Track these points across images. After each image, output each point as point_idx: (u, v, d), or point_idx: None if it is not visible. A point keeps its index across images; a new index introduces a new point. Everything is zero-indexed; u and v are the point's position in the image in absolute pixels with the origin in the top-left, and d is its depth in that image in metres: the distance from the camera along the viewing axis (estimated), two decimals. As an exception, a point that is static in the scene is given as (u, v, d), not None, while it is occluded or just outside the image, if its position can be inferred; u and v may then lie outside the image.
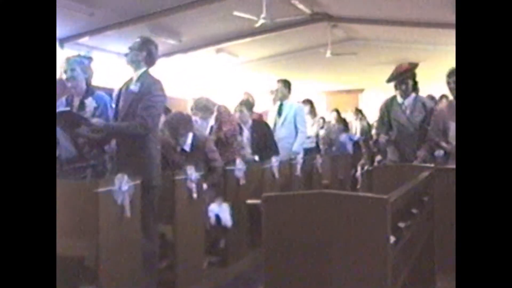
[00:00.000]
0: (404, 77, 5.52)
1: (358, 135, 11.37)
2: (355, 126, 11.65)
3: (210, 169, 5.41)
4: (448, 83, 5.22)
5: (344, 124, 10.74)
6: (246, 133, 6.77)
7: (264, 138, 6.87)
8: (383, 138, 5.54)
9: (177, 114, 5.53)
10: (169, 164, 5.26)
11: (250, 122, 6.88)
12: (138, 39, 4.51)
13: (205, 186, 5.13)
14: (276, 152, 6.92)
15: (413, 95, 5.60)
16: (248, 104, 6.98)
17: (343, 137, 10.01)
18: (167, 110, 6.81)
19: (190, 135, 5.41)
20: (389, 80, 5.61)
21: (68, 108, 4.38)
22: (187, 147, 5.39)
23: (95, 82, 4.81)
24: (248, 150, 6.71)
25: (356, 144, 10.71)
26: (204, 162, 5.38)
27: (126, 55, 4.51)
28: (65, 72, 4.54)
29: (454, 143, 5.06)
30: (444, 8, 10.34)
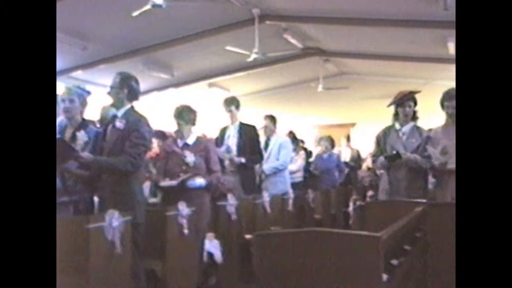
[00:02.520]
0: (405, 101, 5.56)
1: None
2: (346, 155, 11.61)
3: (209, 171, 5.43)
4: (447, 107, 5.28)
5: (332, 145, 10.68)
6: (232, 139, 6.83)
7: (250, 142, 6.87)
8: (381, 159, 5.54)
9: (184, 105, 5.60)
10: (170, 156, 5.38)
11: (237, 123, 6.94)
12: (117, 77, 4.51)
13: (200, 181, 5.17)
14: (261, 157, 7.05)
15: (411, 123, 5.62)
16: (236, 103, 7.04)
17: (332, 160, 9.89)
18: (161, 136, 6.83)
19: (194, 131, 5.51)
20: (390, 104, 5.65)
21: (59, 136, 4.36)
22: (190, 141, 5.43)
23: (87, 115, 4.82)
24: (234, 153, 6.73)
25: (345, 176, 10.69)
26: (206, 161, 5.40)
27: (108, 93, 4.51)
28: (63, 101, 4.54)
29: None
30: (436, 43, 10.44)
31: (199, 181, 5.32)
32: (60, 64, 11.04)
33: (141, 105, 4.64)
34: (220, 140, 6.92)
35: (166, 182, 5.35)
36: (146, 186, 6.32)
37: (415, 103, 5.68)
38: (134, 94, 4.53)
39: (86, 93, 4.72)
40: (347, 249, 2.35)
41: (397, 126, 5.62)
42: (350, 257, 2.34)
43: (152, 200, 6.18)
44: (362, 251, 2.32)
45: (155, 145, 6.76)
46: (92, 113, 5.41)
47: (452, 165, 5.28)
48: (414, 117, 5.69)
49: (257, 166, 7.23)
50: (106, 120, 4.67)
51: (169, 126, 6.27)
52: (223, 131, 7.01)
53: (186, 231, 4.73)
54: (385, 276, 2.37)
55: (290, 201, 7.09)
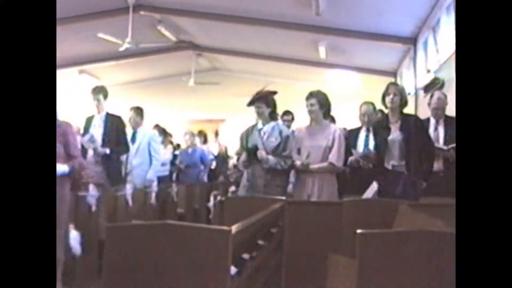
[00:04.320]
0: (263, 100, 5.65)
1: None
2: (213, 150, 11.67)
3: (69, 156, 5.09)
4: (312, 105, 5.51)
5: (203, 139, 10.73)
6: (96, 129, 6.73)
7: (116, 133, 6.77)
8: (243, 157, 5.62)
9: None
10: None
11: (104, 113, 6.82)
12: None
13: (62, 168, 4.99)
14: (126, 148, 6.97)
15: (272, 123, 5.73)
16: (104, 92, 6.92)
17: (196, 154, 9.90)
18: None
19: None
20: (249, 104, 5.71)
21: None
22: None
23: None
24: (99, 142, 6.60)
25: (211, 171, 10.76)
26: (64, 147, 5.09)
27: None
28: None
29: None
30: (308, 46, 10.74)
31: (62, 168, 4.99)
32: None
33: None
34: (85, 129, 6.77)
35: None
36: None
37: (275, 104, 5.79)
38: None
39: None
40: (198, 242, 2.38)
41: (260, 125, 5.73)
42: (200, 251, 2.37)
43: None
44: (212, 245, 2.36)
45: None
46: None
47: (313, 165, 5.49)
48: (273, 117, 5.80)
49: (122, 158, 7.14)
50: None
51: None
52: (89, 120, 6.86)
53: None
54: (233, 269, 2.43)
55: (153, 195, 7.05)
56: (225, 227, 2.39)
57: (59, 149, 5.05)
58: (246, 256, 2.82)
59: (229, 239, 2.37)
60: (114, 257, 2.50)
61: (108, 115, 6.79)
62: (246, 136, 5.76)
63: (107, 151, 6.57)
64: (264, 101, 5.68)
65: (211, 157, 10.85)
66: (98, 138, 6.63)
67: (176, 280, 2.38)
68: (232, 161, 11.84)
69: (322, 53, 10.98)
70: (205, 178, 10.18)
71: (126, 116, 7.41)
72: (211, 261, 2.37)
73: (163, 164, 8.65)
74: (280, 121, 5.87)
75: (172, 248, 2.39)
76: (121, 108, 7.47)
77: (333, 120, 6.60)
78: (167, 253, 2.40)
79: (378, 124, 5.70)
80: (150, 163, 7.51)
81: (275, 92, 5.79)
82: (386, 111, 5.65)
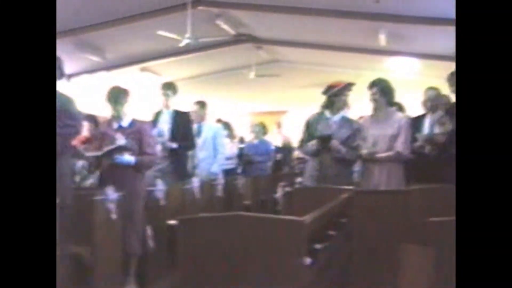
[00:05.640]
0: (340, 93, 5.58)
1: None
2: (276, 142, 11.65)
3: (142, 153, 5.29)
4: (374, 94, 5.52)
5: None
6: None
7: (183, 128, 6.85)
8: (310, 145, 5.56)
9: (117, 86, 5.44)
10: (103, 139, 5.27)
11: (171, 109, 6.90)
12: None
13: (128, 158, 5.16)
14: (193, 143, 7.02)
15: (341, 113, 5.65)
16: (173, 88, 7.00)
17: (263, 147, 9.88)
18: (92, 119, 6.73)
19: (129, 114, 5.38)
20: (324, 92, 5.64)
21: None
22: (125, 123, 5.33)
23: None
24: (167, 137, 6.70)
25: (276, 162, 10.73)
26: (139, 145, 5.29)
27: None
28: None
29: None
30: (367, 34, 10.60)
31: (128, 158, 5.18)
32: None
33: (70, 87, 4.57)
34: (153, 124, 6.87)
35: (91, 152, 5.23)
36: (78, 168, 6.24)
37: (348, 96, 5.73)
38: (60, 76, 4.46)
39: None
40: (271, 233, 2.38)
41: (327, 114, 5.65)
42: (274, 242, 2.37)
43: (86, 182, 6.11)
44: (286, 235, 2.36)
45: (86, 129, 6.64)
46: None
47: (379, 154, 5.42)
48: (345, 107, 5.73)
49: (189, 153, 7.21)
50: None
51: (100, 109, 6.17)
52: (157, 115, 6.95)
53: (114, 216, 4.68)
54: (308, 260, 2.42)
55: (220, 187, 7.11)
56: (298, 218, 2.38)
57: (132, 144, 5.17)
58: (318, 246, 2.80)
59: (302, 229, 2.36)
60: (187, 250, 2.51)
61: (175, 111, 6.87)
62: (314, 124, 5.68)
63: (174, 145, 6.64)
64: (345, 92, 5.62)
65: (275, 148, 10.82)
66: (166, 133, 6.71)
67: (249, 271, 2.38)
68: (296, 152, 11.82)
69: (382, 40, 10.82)
70: (270, 170, 10.16)
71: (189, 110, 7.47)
72: (285, 252, 2.36)
73: (228, 158, 8.68)
74: (347, 111, 5.78)
75: (245, 240, 2.39)
76: (183, 103, 7.51)
77: (400, 107, 6.44)
78: (240, 244, 2.40)
79: (446, 107, 5.59)
80: (215, 157, 7.55)
81: (352, 84, 5.71)
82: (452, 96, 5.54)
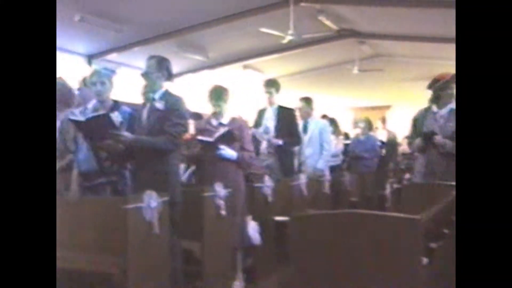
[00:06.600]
0: (446, 86, 5.41)
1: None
2: (382, 137, 11.44)
3: (242, 150, 5.36)
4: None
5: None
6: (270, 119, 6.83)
7: (288, 124, 6.83)
8: (418, 141, 5.42)
9: (218, 85, 5.54)
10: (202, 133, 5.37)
11: (276, 106, 6.89)
12: (152, 60, 4.53)
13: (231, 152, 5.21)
14: (299, 140, 7.00)
15: (449, 106, 5.46)
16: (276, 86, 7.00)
17: (369, 142, 9.71)
18: (197, 117, 6.84)
19: (229, 111, 5.46)
20: (430, 86, 5.50)
21: (104, 112, 4.38)
22: (225, 121, 5.40)
23: (120, 97, 4.85)
24: (272, 134, 6.70)
25: (381, 159, 10.55)
26: (239, 141, 5.35)
27: (143, 75, 4.52)
28: (94, 85, 4.58)
29: None
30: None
31: (230, 152, 5.26)
32: (95, 47, 11.16)
33: (175, 87, 4.67)
34: (258, 122, 6.90)
35: (202, 137, 5.31)
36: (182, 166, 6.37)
37: (453, 88, 5.53)
38: (170, 76, 4.58)
39: (113, 73, 4.76)
40: (386, 231, 2.33)
41: (434, 108, 5.49)
42: (389, 240, 2.32)
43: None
44: (401, 234, 2.31)
45: (192, 126, 6.77)
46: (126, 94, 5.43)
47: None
48: (451, 100, 5.53)
49: (295, 149, 7.21)
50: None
51: (203, 107, 6.27)
52: (261, 113, 6.98)
53: (223, 212, 4.76)
54: (425, 260, 2.36)
55: (327, 184, 7.08)
56: (414, 216, 2.33)
57: (235, 136, 5.22)
58: (434, 245, 2.73)
59: (418, 227, 2.30)
60: (300, 246, 2.51)
61: (280, 107, 6.86)
62: (420, 120, 5.55)
63: (280, 142, 6.65)
64: (450, 84, 5.44)
65: (381, 144, 10.64)
66: (271, 130, 6.73)
67: (363, 269, 2.35)
68: (401, 148, 11.60)
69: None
70: (376, 166, 10.01)
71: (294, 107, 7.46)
72: (401, 250, 2.31)
73: (334, 155, 8.62)
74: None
75: (360, 237, 2.36)
76: (287, 100, 7.51)
77: None
78: (355, 241, 2.37)
79: None
80: (321, 153, 7.50)
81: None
82: None
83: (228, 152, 5.24)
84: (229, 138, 5.19)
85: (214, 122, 5.43)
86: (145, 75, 4.51)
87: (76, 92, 4.74)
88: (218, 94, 5.40)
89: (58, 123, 4.64)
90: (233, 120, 5.45)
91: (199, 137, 5.31)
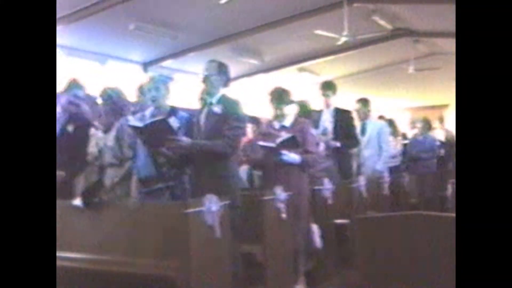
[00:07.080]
0: None
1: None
2: (440, 137, 11.24)
3: (306, 152, 5.26)
4: None
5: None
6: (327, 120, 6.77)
7: (346, 126, 6.78)
8: None
9: (279, 87, 5.47)
10: (264, 137, 5.34)
11: (332, 108, 6.83)
12: (212, 64, 4.56)
13: (294, 156, 5.13)
14: (356, 142, 6.97)
15: None
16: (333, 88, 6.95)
17: (428, 142, 9.53)
18: (254, 121, 6.86)
19: (293, 113, 5.41)
20: None
21: (162, 117, 4.41)
22: (287, 123, 5.35)
23: (176, 102, 4.89)
24: (330, 136, 6.65)
25: (440, 158, 10.35)
26: (302, 142, 5.23)
27: (203, 80, 4.54)
28: (149, 91, 4.64)
29: None
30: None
31: (293, 156, 5.16)
32: (150, 54, 11.32)
33: (231, 92, 4.69)
34: (315, 124, 6.87)
35: (264, 143, 5.26)
36: (243, 170, 6.38)
37: None
38: (228, 81, 4.60)
39: (169, 80, 4.81)
40: (452, 233, 2.28)
41: None
42: (452, 242, 2.27)
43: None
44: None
45: (249, 130, 6.78)
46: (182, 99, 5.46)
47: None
48: None
49: (353, 151, 7.15)
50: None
51: (259, 111, 6.27)
52: (318, 114, 6.95)
53: (284, 215, 4.75)
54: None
55: (386, 185, 7.01)
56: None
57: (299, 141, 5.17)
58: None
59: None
60: (363, 249, 2.48)
61: (337, 109, 6.81)
62: None
63: (338, 144, 6.60)
64: None
65: (440, 144, 10.46)
66: (330, 132, 6.69)
67: (429, 272, 2.31)
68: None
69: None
70: (435, 167, 9.84)
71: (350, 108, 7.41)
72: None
73: (393, 156, 8.51)
74: None
75: (426, 239, 2.32)
76: (343, 101, 7.46)
77: None
78: (420, 244, 2.34)
79: None
80: (380, 154, 7.42)
81: None
82: None
83: (290, 156, 5.17)
84: (292, 144, 5.11)
85: (276, 125, 5.39)
86: (206, 78, 4.53)
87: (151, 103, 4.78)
88: (279, 96, 5.36)
89: (113, 132, 4.72)
90: (295, 121, 5.39)
91: (261, 143, 5.24)
